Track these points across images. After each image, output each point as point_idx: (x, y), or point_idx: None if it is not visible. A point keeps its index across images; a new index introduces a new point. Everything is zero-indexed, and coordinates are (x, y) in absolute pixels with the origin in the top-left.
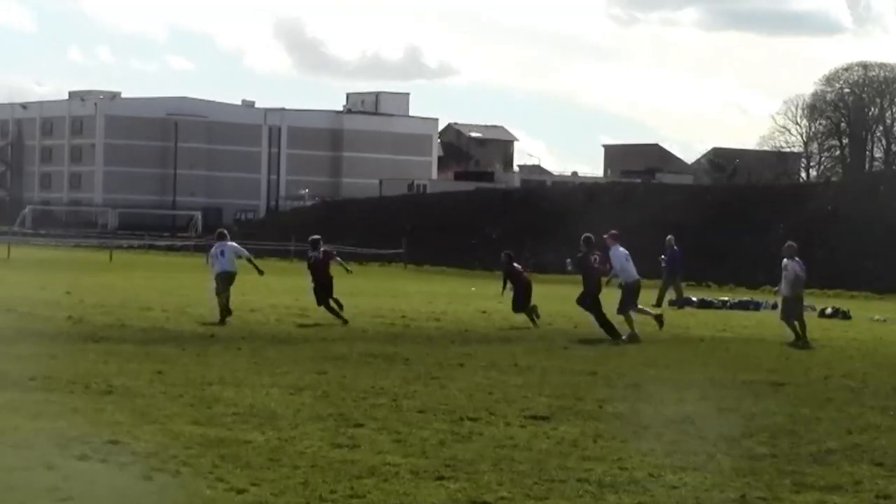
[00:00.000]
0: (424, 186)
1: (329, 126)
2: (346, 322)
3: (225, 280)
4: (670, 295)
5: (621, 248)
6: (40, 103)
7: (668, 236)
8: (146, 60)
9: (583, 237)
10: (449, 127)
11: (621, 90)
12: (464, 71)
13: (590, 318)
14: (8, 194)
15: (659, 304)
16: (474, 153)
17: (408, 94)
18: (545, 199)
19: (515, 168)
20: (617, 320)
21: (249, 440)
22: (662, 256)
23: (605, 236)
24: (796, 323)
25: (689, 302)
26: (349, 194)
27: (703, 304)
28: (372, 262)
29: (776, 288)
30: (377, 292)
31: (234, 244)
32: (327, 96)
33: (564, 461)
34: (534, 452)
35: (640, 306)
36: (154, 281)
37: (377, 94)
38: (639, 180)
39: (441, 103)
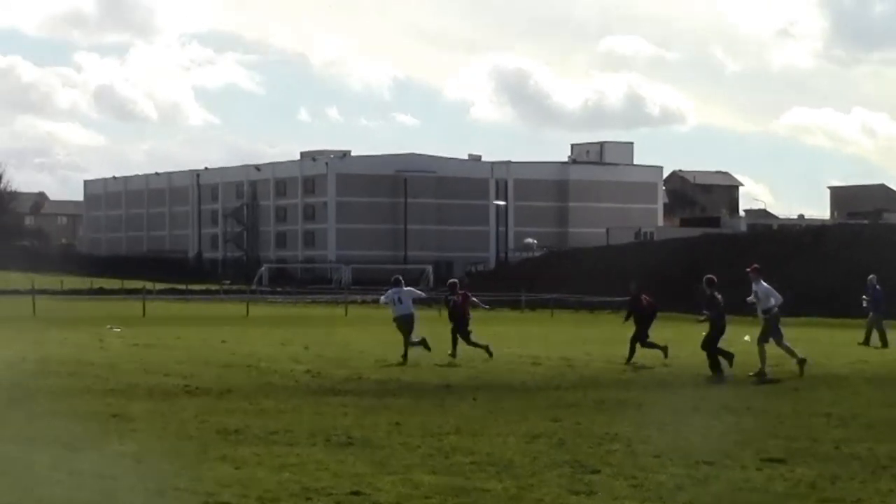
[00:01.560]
0: (651, 234)
1: (555, 177)
2: (453, 356)
3: (406, 324)
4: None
5: (764, 283)
6: (273, 164)
7: (870, 276)
8: (374, 118)
9: (705, 278)
10: (674, 174)
11: (845, 131)
12: (687, 117)
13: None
14: (245, 254)
15: (866, 342)
16: (699, 199)
17: (632, 143)
18: (772, 242)
19: (741, 213)
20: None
21: (488, 489)
22: (864, 297)
23: (748, 270)
24: None
25: None
26: (576, 244)
27: None
28: (601, 310)
29: None
30: (607, 339)
31: (410, 289)
32: (552, 148)
33: (802, 503)
34: (771, 495)
35: (786, 343)
36: (388, 335)
37: (602, 144)
38: (866, 221)
39: (665, 151)
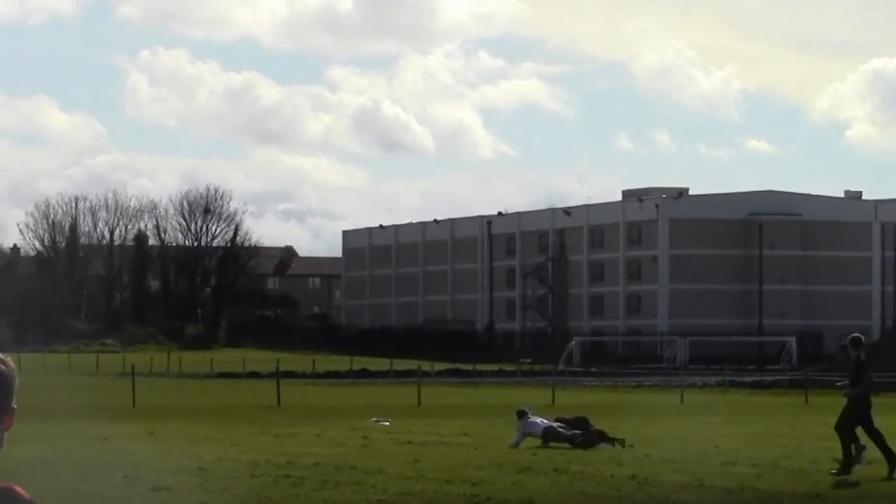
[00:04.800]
0: None
1: None
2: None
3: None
4: None
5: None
6: (587, 207)
7: None
8: (717, 145)
9: (850, 338)
10: None
11: None
12: None
13: None
14: (549, 324)
15: None
16: None
17: None
18: None
19: None
20: None
21: None
22: None
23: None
24: None
25: None
26: None
27: None
28: None
29: None
30: None
31: None
32: None
33: None
34: None
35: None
36: (738, 427)
37: None
38: None
39: None
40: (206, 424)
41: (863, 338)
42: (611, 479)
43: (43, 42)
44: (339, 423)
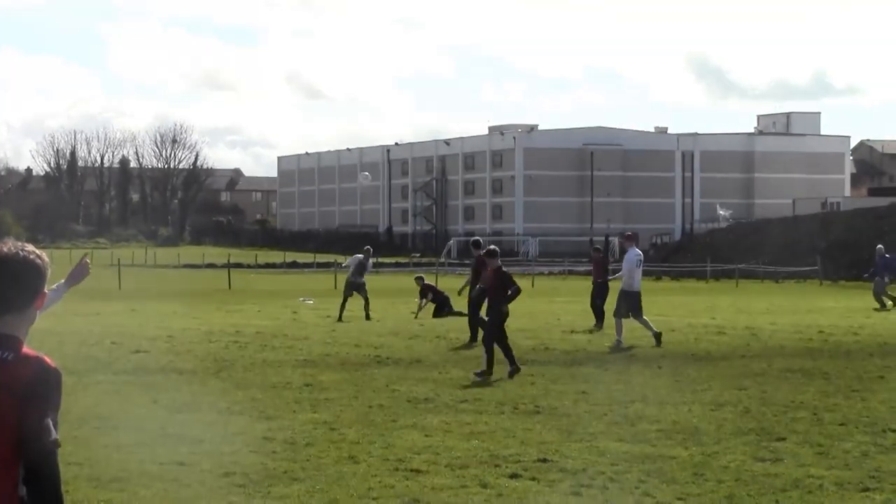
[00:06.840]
0: (838, 204)
1: (741, 149)
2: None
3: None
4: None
5: (636, 250)
6: (462, 139)
7: (878, 246)
8: (560, 97)
9: (472, 240)
10: (861, 144)
11: None
12: (871, 89)
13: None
14: (434, 227)
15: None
16: (888, 169)
17: (818, 113)
18: None
19: None
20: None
21: (674, 456)
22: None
23: (619, 239)
24: None
25: None
26: (762, 215)
27: None
28: (787, 280)
29: None
30: (794, 309)
31: None
32: (737, 120)
33: None
34: None
35: (645, 318)
36: (575, 305)
37: (788, 115)
38: None
39: (851, 121)
40: (174, 303)
41: (481, 240)
42: (479, 343)
43: (53, 14)
44: (275, 302)
